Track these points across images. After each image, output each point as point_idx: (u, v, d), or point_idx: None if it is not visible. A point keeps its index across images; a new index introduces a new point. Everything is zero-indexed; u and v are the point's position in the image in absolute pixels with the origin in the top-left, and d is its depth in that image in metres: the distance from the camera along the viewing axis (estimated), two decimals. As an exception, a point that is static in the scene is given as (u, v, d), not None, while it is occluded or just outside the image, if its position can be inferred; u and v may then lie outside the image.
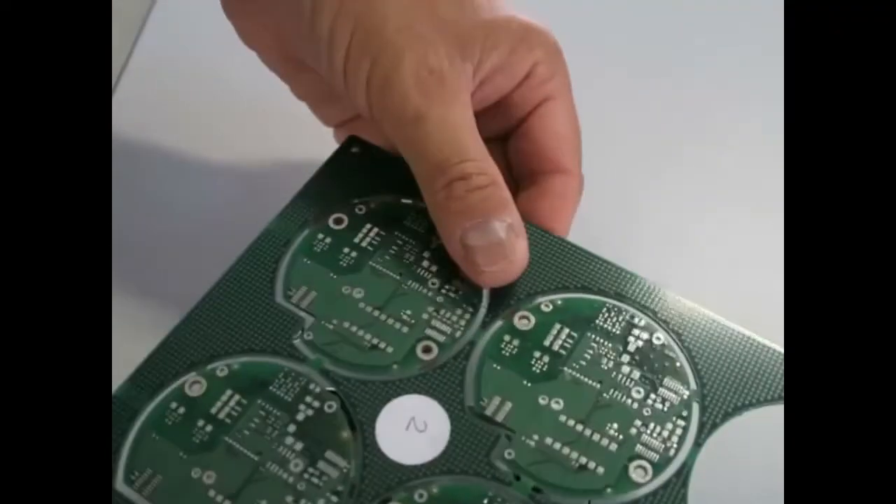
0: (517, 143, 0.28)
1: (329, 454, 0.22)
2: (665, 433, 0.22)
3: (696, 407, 0.22)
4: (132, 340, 0.29)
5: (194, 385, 0.23)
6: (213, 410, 0.22)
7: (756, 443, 0.22)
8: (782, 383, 0.22)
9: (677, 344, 0.23)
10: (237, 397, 0.23)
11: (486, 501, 0.21)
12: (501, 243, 0.23)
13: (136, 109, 0.37)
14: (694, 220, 0.33)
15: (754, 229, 0.33)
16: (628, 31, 0.40)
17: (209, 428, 0.22)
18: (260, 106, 0.35)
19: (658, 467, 0.21)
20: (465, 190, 0.24)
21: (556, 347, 0.23)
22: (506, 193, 0.24)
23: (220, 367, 0.23)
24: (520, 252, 0.24)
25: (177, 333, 0.24)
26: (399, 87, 0.24)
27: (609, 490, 0.21)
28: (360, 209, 0.26)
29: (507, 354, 0.23)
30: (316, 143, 0.32)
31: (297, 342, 0.23)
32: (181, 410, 0.22)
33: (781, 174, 0.19)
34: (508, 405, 0.22)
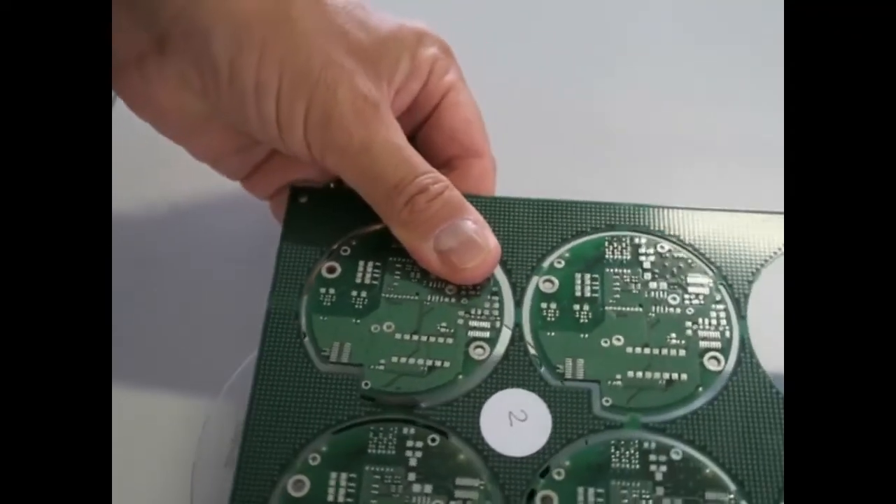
0: (429, 134, 0.28)
1: (459, 480, 0.22)
2: (714, 321, 0.24)
3: (723, 289, 0.25)
4: (132, 341, 0.28)
5: (296, 484, 0.22)
6: (330, 498, 0.22)
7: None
8: (781, 236, 0.25)
9: (680, 245, 0.26)
10: (345, 475, 0.22)
11: (612, 449, 0.22)
12: (473, 239, 0.25)
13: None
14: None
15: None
16: (628, 30, 0.40)
17: (337, 516, 0.22)
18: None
19: (725, 351, 0.24)
20: (427, 201, 0.25)
21: (588, 294, 0.25)
22: (459, 194, 0.25)
23: (311, 456, 0.22)
24: (492, 242, 0.25)
25: (246, 449, 0.22)
26: (340, 121, 0.24)
27: (700, 389, 0.23)
28: (345, 251, 0.26)
29: (552, 319, 0.25)
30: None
31: (361, 396, 0.23)
32: (299, 514, 0.22)
33: (781, 174, 0.21)
34: (581, 361, 0.24)
